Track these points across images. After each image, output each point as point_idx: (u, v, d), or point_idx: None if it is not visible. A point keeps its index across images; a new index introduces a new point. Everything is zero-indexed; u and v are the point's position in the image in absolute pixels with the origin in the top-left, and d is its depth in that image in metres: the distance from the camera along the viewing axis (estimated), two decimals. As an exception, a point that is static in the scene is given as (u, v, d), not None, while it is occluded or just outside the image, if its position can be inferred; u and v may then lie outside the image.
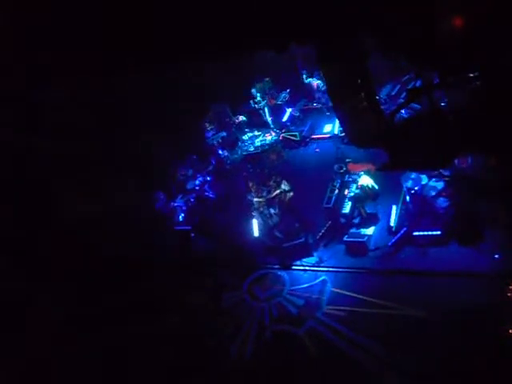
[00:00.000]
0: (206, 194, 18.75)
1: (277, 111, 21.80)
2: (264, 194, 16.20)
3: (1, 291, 14.73)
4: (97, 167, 17.89)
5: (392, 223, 14.05)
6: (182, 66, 15.31)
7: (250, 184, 16.67)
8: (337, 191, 15.46)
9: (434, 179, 13.60)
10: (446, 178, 13.40)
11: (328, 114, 20.28)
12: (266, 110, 21.73)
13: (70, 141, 16.65)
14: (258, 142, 20.56)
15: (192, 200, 18.55)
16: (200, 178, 19.13)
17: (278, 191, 16.05)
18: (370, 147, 11.99)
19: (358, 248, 13.97)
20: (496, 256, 11.54)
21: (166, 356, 13.00)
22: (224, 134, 21.39)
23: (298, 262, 14.59)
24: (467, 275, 11.62)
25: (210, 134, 21.35)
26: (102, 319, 14.35)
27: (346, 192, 15.49)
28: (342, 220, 14.92)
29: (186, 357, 12.82)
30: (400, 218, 14.10)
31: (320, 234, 15.02)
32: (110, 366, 13.08)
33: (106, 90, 16.27)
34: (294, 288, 13.85)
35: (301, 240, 14.69)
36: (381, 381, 10.35)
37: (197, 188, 18.90)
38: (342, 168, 15.93)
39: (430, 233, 12.97)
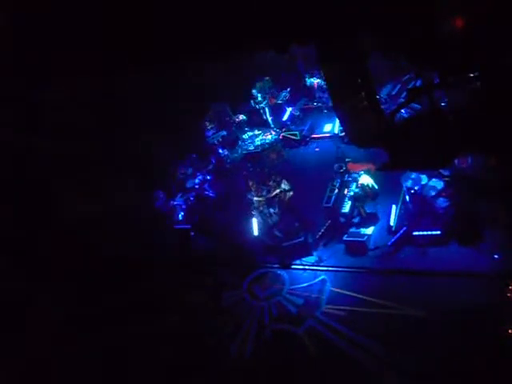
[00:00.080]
0: (206, 192, 18.75)
1: (277, 110, 21.82)
2: (264, 193, 16.20)
3: (1, 291, 14.72)
4: (97, 167, 17.87)
5: (392, 223, 14.06)
6: (182, 65, 15.32)
7: (250, 183, 16.66)
8: (336, 191, 15.46)
9: (433, 179, 13.60)
10: (446, 178, 13.39)
11: (325, 112, 20.33)
12: (267, 109, 21.73)
13: (70, 141, 16.63)
14: (258, 141, 20.58)
15: (192, 199, 18.56)
16: (200, 177, 19.13)
17: (277, 190, 16.05)
18: (370, 147, 12.00)
19: (357, 247, 13.98)
20: (496, 256, 11.55)
21: (165, 355, 13.00)
22: (224, 133, 21.40)
23: (298, 262, 14.61)
24: (467, 275, 11.63)
25: (210, 133, 21.36)
26: (102, 319, 14.34)
27: (346, 191, 15.50)
28: (342, 219, 14.93)
29: (186, 355, 12.82)
30: (400, 217, 14.11)
31: (320, 233, 15.03)
32: (110, 365, 13.08)
33: (105, 90, 16.28)
34: (293, 287, 13.86)
35: (300, 239, 14.72)
36: (380, 380, 10.36)
37: (196, 187, 18.91)
38: (341, 167, 15.93)
39: (429, 233, 12.98)
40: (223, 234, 16.54)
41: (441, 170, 13.33)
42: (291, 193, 16.03)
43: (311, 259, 14.50)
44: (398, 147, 10.14)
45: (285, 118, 21.49)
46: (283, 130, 20.80)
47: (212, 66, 17.99)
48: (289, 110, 21.58)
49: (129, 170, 18.22)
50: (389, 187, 14.93)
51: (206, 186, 18.91)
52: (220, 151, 20.53)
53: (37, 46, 10.57)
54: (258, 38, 9.16)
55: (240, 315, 13.51)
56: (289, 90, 21.98)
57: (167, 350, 13.09)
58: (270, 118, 21.74)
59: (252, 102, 21.64)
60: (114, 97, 17.37)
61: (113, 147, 17.81)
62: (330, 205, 15.17)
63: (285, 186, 16.10)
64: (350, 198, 15.18)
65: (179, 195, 18.73)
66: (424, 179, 13.68)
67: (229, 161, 20.39)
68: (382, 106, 11.74)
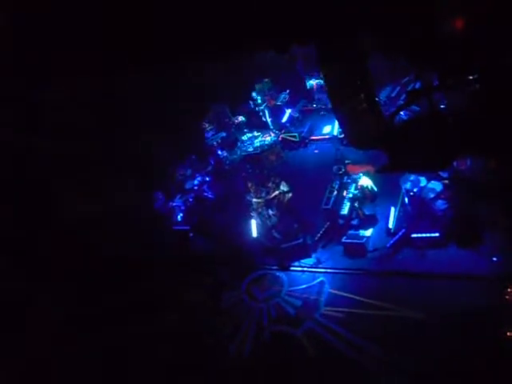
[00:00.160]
0: (205, 194, 18.75)
1: (276, 112, 21.84)
2: (263, 194, 16.21)
3: (1, 291, 14.71)
4: (97, 167, 17.87)
5: (390, 225, 14.07)
6: (182, 65, 15.32)
7: (249, 184, 16.67)
8: (336, 192, 15.47)
9: (432, 181, 13.60)
10: (445, 180, 13.40)
11: (323, 113, 20.34)
12: (266, 110, 21.75)
13: (70, 141, 16.63)
14: (257, 143, 20.56)
15: (191, 200, 18.56)
16: (199, 178, 19.14)
17: (276, 192, 16.06)
18: (370, 149, 12.00)
19: (356, 249, 13.97)
20: (495, 258, 11.54)
21: (164, 354, 13.01)
22: (223, 134, 21.44)
23: (297, 263, 14.61)
24: (466, 278, 11.62)
25: (209, 135, 21.39)
26: (102, 319, 14.34)
27: (345, 193, 15.50)
28: (341, 221, 14.93)
29: (185, 354, 12.84)
30: (399, 219, 14.12)
31: (318, 235, 15.03)
32: (110, 365, 13.07)
33: (105, 89, 16.29)
34: (292, 289, 13.86)
35: (299, 241, 14.72)
36: (378, 381, 10.35)
37: (195, 188, 18.91)
38: (341, 169, 15.95)
39: (428, 235, 12.98)
40: (222, 236, 16.54)
41: (440, 172, 13.35)
42: (290, 194, 16.04)
43: (310, 261, 14.50)
44: (397, 149, 10.14)
45: (284, 119, 21.52)
46: (282, 131, 20.83)
47: (212, 66, 18.02)
48: (288, 111, 21.60)
49: (129, 170, 18.22)
50: (388, 189, 14.94)
51: (205, 187, 18.91)
52: (219, 152, 20.54)
53: (37, 46, 10.57)
54: (258, 38, 9.16)
55: (239, 316, 13.52)
56: (288, 91, 22.01)
57: (166, 349, 13.10)
58: (269, 120, 21.76)
59: (251, 103, 21.64)
60: (114, 97, 17.38)
61: (113, 147, 17.81)
62: (328, 207, 15.18)
63: (284, 187, 16.11)
64: (349, 199, 15.18)
65: (178, 196, 18.75)
66: (423, 181, 13.69)
67: (228, 162, 20.39)
68: (382, 108, 11.72)
